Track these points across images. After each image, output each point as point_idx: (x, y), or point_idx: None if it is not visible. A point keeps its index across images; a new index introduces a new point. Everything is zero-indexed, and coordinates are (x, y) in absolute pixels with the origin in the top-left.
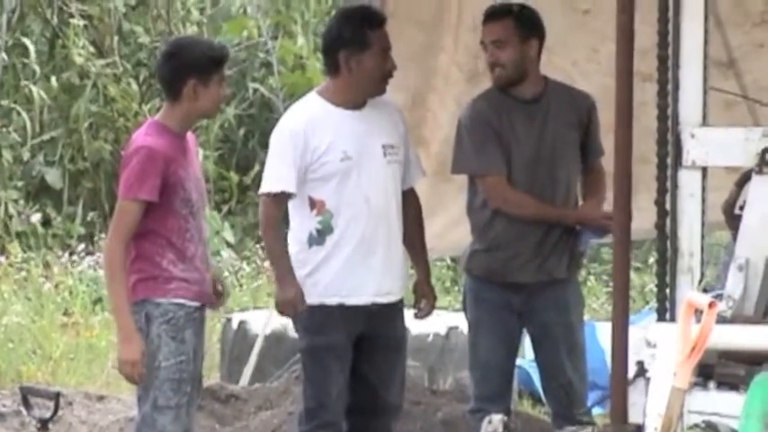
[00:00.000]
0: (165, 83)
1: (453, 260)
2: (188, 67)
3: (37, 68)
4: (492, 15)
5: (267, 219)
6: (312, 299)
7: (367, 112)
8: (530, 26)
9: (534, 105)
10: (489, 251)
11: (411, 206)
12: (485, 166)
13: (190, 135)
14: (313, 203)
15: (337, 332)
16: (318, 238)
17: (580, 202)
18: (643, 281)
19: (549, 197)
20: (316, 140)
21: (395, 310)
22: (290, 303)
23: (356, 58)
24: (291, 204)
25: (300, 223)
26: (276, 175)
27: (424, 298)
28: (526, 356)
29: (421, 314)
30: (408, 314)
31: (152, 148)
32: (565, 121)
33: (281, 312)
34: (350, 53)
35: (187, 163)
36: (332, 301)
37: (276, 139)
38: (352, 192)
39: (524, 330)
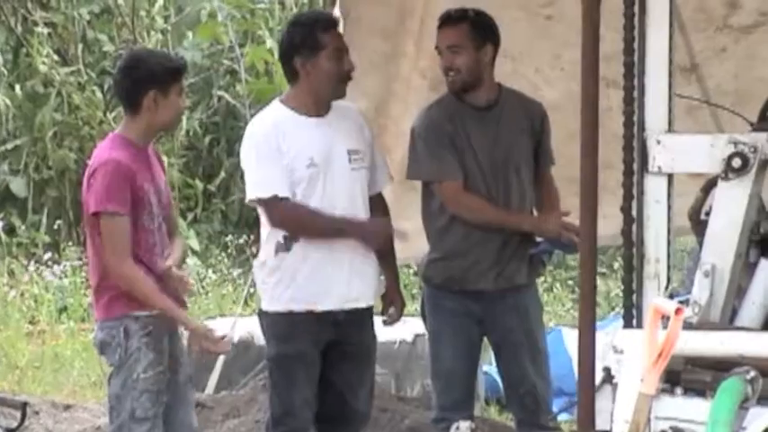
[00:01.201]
0: (124, 96)
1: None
2: (147, 79)
3: (6, 73)
4: (447, 20)
5: (284, 219)
6: (280, 306)
7: (331, 118)
8: (485, 32)
9: (488, 112)
10: (447, 259)
11: (379, 211)
12: (440, 172)
13: (151, 147)
14: None
15: (305, 340)
16: (285, 245)
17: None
18: (608, 286)
19: (503, 204)
20: (285, 146)
21: (364, 316)
22: (383, 232)
23: (311, 61)
24: (261, 212)
25: (269, 231)
26: (263, 180)
27: (393, 304)
28: (492, 363)
29: (390, 321)
30: (377, 321)
31: (119, 162)
32: (518, 128)
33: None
34: (305, 58)
35: (151, 176)
36: (300, 307)
37: (251, 145)
38: (319, 198)
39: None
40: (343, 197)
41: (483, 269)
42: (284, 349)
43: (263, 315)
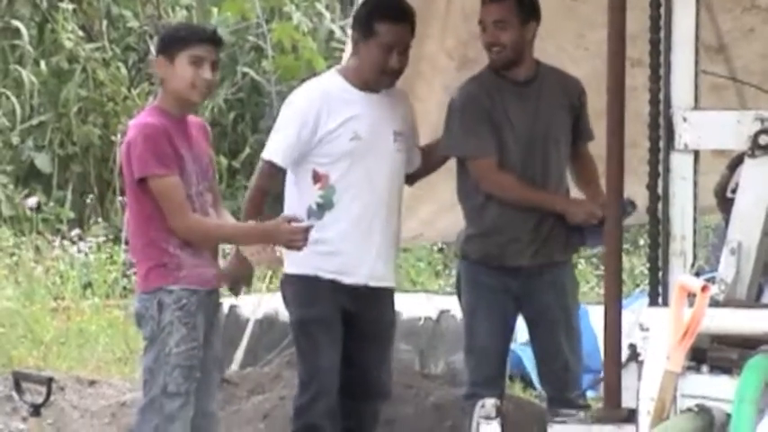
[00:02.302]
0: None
1: (445, 243)
2: (157, 47)
3: (31, 50)
4: None
5: (253, 187)
6: (306, 269)
7: (382, 97)
8: (530, 9)
9: (527, 87)
10: (485, 235)
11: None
12: (475, 149)
13: (193, 119)
14: (317, 177)
15: (326, 305)
16: (318, 211)
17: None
18: (632, 263)
19: (541, 179)
20: (327, 117)
21: (385, 294)
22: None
23: (363, 42)
24: (291, 177)
25: (300, 196)
26: (274, 147)
27: None
28: (517, 340)
29: None
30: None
31: (154, 125)
32: (557, 104)
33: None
34: (358, 36)
35: (189, 145)
36: (325, 275)
37: (284, 112)
38: (358, 172)
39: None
40: (381, 175)
41: (521, 246)
42: (306, 314)
43: (286, 280)
